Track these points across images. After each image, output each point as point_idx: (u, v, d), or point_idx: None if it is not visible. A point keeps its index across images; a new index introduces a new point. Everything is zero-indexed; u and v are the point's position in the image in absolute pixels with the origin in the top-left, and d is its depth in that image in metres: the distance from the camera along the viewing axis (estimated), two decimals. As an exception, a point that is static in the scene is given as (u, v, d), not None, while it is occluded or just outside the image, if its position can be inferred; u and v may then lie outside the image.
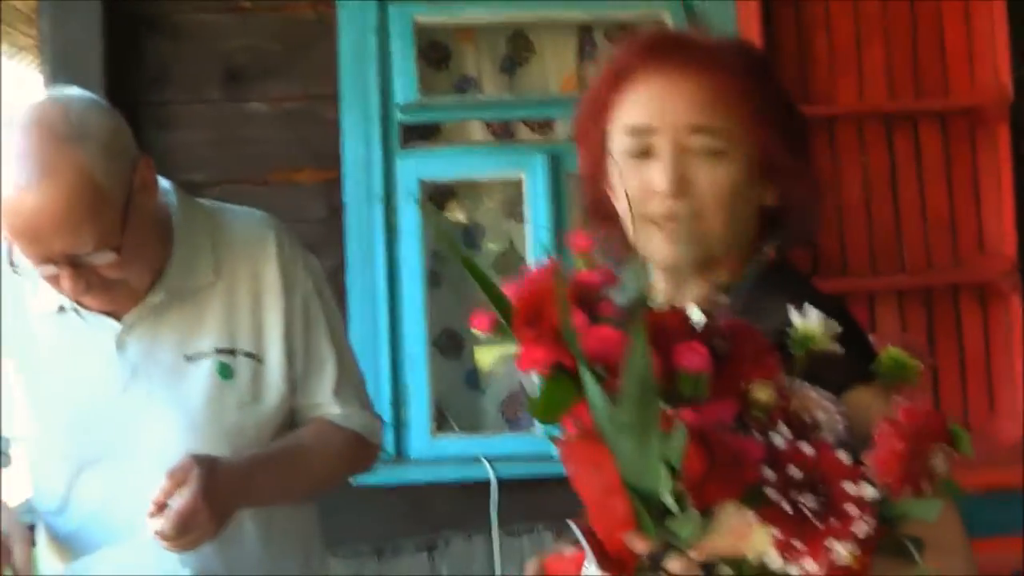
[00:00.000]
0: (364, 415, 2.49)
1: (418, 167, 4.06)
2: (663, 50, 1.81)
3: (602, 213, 1.88)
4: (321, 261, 2.53)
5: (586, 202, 1.93)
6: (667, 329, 1.37)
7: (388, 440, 3.99)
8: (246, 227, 2.42)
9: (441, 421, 4.15)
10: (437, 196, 4.34)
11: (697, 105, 1.76)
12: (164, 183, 2.36)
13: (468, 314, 4.19)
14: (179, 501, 2.07)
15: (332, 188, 4.00)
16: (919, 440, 1.35)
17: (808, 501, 1.32)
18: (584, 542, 1.41)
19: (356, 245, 4.00)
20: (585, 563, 1.43)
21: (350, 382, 2.47)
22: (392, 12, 4.05)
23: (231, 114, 4.03)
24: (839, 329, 1.48)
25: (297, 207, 3.92)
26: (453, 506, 4.01)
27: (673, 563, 1.34)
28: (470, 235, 4.39)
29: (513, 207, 4.32)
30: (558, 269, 1.40)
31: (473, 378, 4.35)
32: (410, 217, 4.03)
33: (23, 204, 2.05)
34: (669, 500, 1.31)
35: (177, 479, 2.09)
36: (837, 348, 1.47)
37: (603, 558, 1.39)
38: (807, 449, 1.35)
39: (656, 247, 1.77)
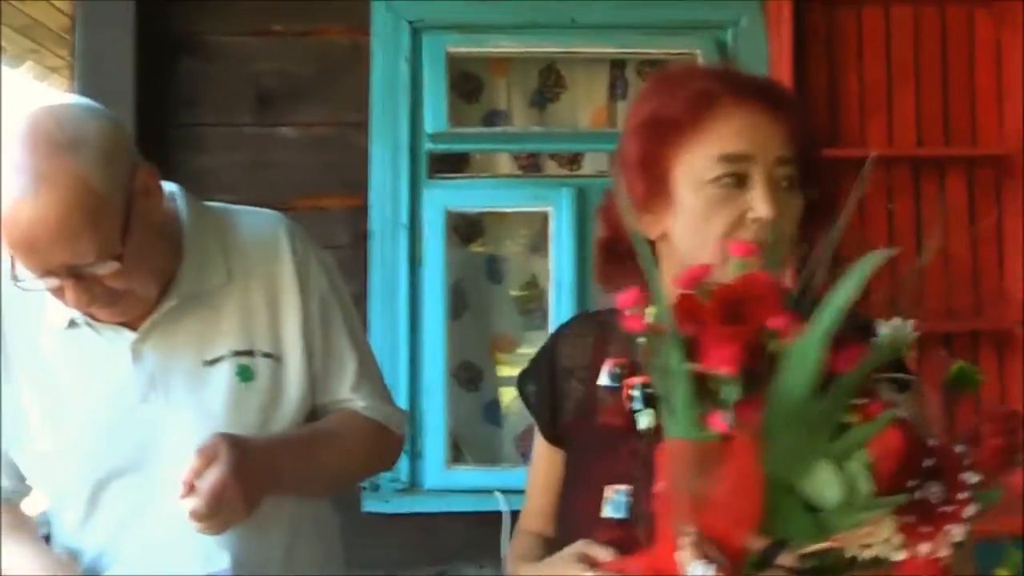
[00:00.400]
0: (386, 407, 2.46)
1: (445, 197, 4.06)
2: (739, 82, 1.85)
3: (615, 250, 1.92)
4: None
5: (602, 237, 1.97)
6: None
7: (403, 469, 3.99)
8: (257, 227, 2.39)
9: (456, 453, 4.15)
10: (463, 227, 4.35)
11: (782, 137, 1.81)
12: (171, 187, 2.33)
13: (487, 347, 4.22)
14: (209, 479, 2.04)
15: (358, 215, 4.01)
16: (1012, 436, 1.49)
17: (934, 489, 1.45)
18: (694, 542, 1.44)
19: (380, 273, 4.01)
20: (685, 562, 1.45)
21: (370, 376, 2.44)
22: (425, 41, 4.07)
23: (261, 138, 4.04)
24: (916, 335, 1.56)
25: (323, 233, 3.89)
26: (466, 537, 4.00)
27: (786, 558, 1.43)
28: (493, 267, 4.41)
29: (537, 241, 4.33)
30: (769, 277, 1.48)
31: (490, 411, 4.36)
32: (434, 247, 4.04)
33: (20, 215, 1.98)
34: (865, 486, 1.40)
35: (207, 457, 2.06)
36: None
37: (717, 555, 1.43)
38: (932, 441, 1.47)
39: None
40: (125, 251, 2.06)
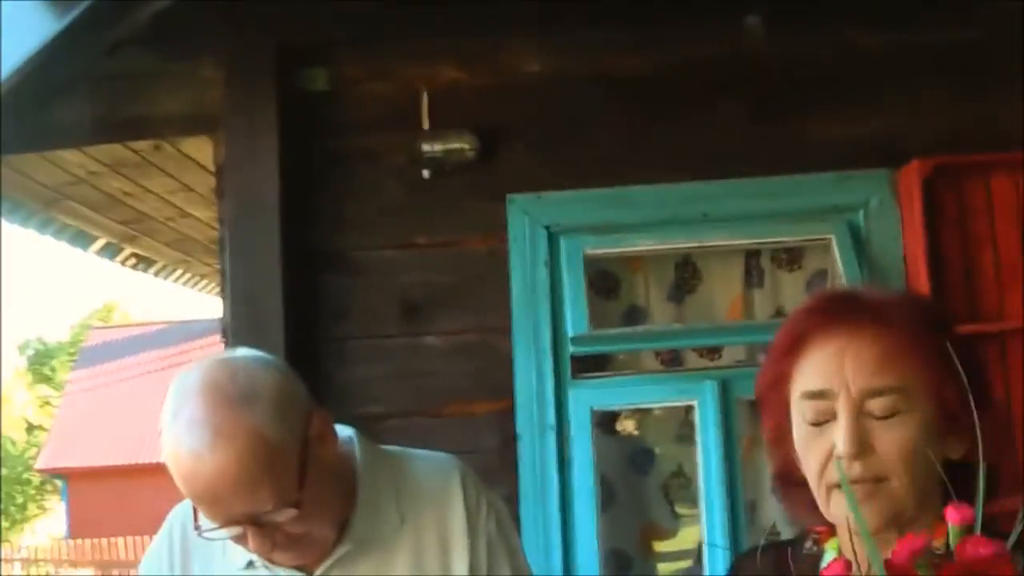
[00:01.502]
0: None
1: (589, 396, 4.12)
2: (834, 312, 1.82)
3: (790, 479, 1.88)
4: (495, 490, 2.56)
5: (774, 468, 1.92)
6: None
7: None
8: (430, 471, 2.42)
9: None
10: (607, 419, 4.40)
11: (871, 366, 1.76)
12: (346, 431, 2.38)
13: (636, 536, 4.23)
14: None
15: (506, 418, 4.08)
16: None
17: None
18: None
19: (529, 474, 4.06)
20: None
21: None
22: (562, 244, 4.16)
23: (408, 348, 4.15)
24: None
25: (472, 438, 4.00)
26: None
27: None
28: (639, 457, 4.45)
29: (683, 430, 4.36)
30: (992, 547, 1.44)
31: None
32: (582, 445, 4.09)
33: (200, 470, 2.05)
34: None
35: None
36: None
37: None
38: None
39: (843, 512, 1.75)
40: (303, 497, 2.12)
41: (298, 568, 2.28)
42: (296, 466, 2.12)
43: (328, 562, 2.28)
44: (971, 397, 1.72)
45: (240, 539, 2.16)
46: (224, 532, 2.15)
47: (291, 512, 2.11)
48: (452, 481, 2.40)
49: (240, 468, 2.05)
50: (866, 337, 1.78)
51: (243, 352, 2.27)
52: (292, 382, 2.21)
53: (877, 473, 1.75)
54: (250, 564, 2.29)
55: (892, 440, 1.75)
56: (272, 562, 2.27)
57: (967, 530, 1.49)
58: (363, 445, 2.40)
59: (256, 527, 2.12)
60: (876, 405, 1.76)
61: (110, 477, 30.08)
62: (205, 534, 2.16)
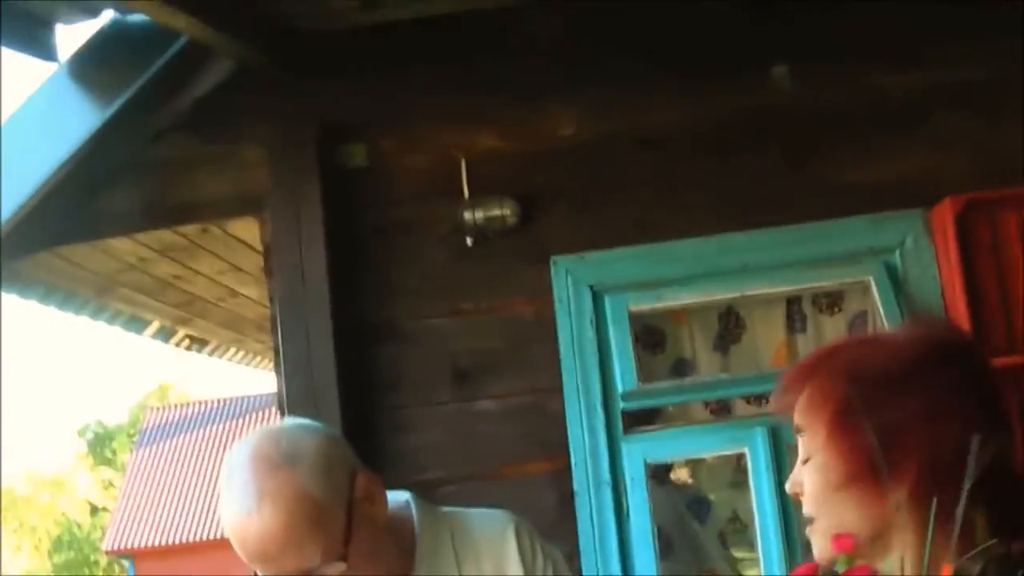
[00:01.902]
0: None
1: (642, 450, 4.16)
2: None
3: None
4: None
5: None
6: None
7: None
8: (485, 525, 2.51)
9: None
10: (661, 470, 4.45)
11: (798, 408, 1.82)
12: (403, 495, 2.49)
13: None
14: None
15: (561, 477, 4.12)
16: None
17: None
18: None
19: (588, 529, 4.10)
20: None
21: None
22: (607, 302, 4.21)
23: (460, 413, 4.22)
24: None
25: (528, 498, 4.03)
26: None
27: None
28: (695, 506, 4.50)
29: (736, 476, 4.40)
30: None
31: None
32: (638, 497, 4.13)
33: (249, 531, 2.17)
34: None
35: None
36: None
37: None
38: None
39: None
40: (350, 552, 2.22)
41: None
42: (342, 523, 2.23)
43: None
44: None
45: None
46: None
47: (339, 566, 2.22)
48: (507, 532, 2.48)
49: (286, 527, 2.17)
50: (810, 384, 1.82)
51: (290, 420, 2.44)
52: (335, 445, 2.33)
53: (807, 513, 1.80)
54: None
55: (808, 483, 1.80)
56: None
57: (850, 560, 1.58)
58: (420, 505, 2.50)
59: None
60: (800, 447, 1.83)
61: (175, 555, 30.25)
62: None
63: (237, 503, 2.20)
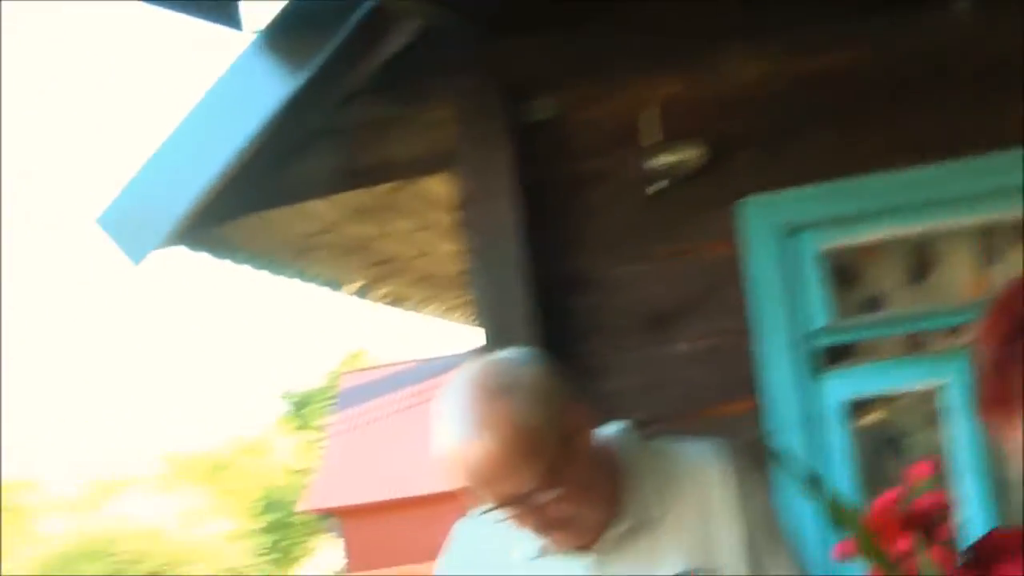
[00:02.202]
0: None
1: (837, 388, 4.18)
2: None
3: None
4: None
5: None
6: None
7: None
8: (692, 456, 2.57)
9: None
10: (856, 408, 4.44)
11: None
12: (616, 426, 2.59)
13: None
14: None
15: (756, 417, 4.15)
16: None
17: None
18: None
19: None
20: None
21: None
22: (798, 241, 4.21)
23: (656, 357, 4.27)
24: None
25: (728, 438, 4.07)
26: None
27: None
28: (892, 444, 4.48)
29: (933, 413, 4.38)
30: None
31: None
32: (835, 434, 4.15)
33: (468, 456, 2.29)
34: None
35: None
36: None
37: None
38: None
39: None
40: (564, 480, 2.32)
41: (579, 549, 2.47)
42: (556, 451, 2.32)
43: (602, 542, 2.46)
44: None
45: (517, 519, 2.37)
46: (499, 513, 2.36)
47: (554, 492, 2.32)
48: (712, 464, 2.54)
49: (502, 452, 2.28)
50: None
51: (508, 352, 2.50)
52: (550, 376, 2.42)
53: None
54: (540, 552, 2.49)
55: None
56: (553, 543, 2.46)
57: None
58: (630, 436, 2.59)
59: (525, 506, 2.33)
60: None
61: (380, 512, 30.77)
62: (488, 516, 2.38)
63: (456, 430, 2.32)
